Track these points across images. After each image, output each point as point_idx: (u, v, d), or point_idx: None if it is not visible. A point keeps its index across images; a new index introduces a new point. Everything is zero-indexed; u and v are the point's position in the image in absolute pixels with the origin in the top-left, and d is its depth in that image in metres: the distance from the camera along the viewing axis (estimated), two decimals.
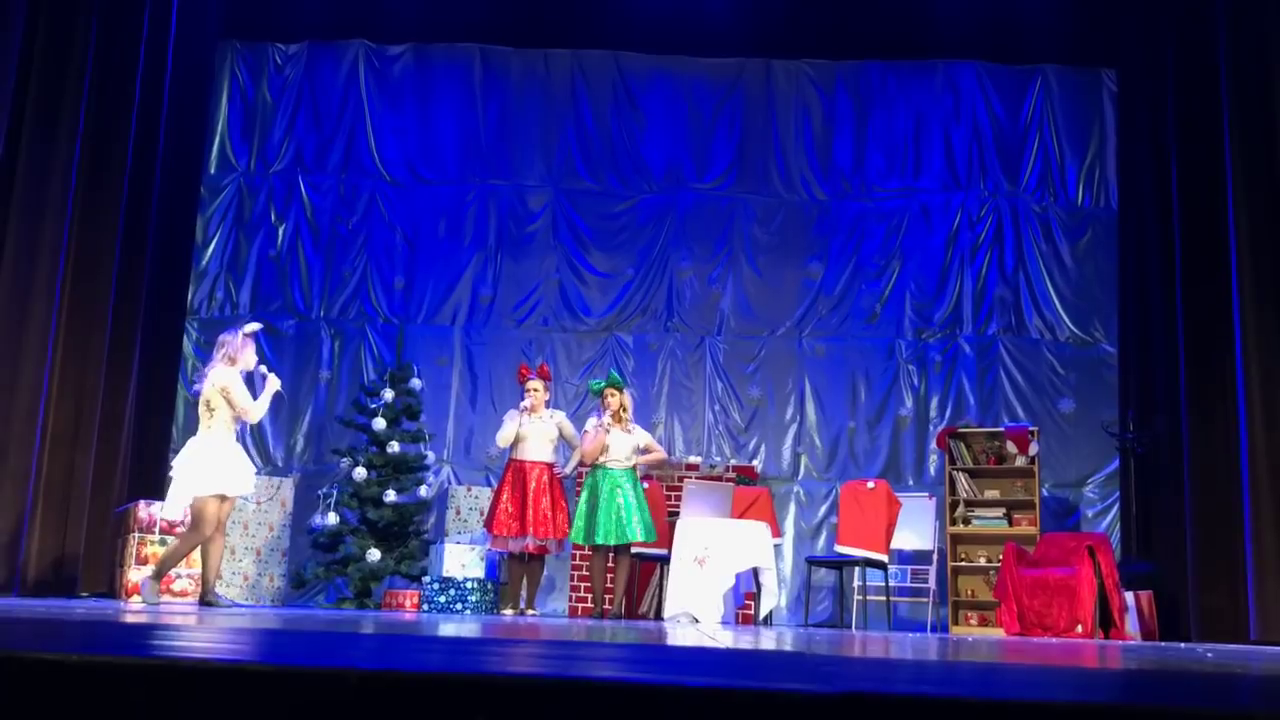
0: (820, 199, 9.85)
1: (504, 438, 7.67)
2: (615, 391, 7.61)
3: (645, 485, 8.18)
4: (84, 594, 7.45)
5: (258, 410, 6.37)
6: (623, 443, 7.50)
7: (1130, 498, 8.43)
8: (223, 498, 6.23)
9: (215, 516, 6.20)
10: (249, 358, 6.40)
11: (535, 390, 7.69)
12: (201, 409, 6.32)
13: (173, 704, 1.33)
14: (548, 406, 7.90)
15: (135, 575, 7.18)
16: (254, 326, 6.58)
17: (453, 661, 1.65)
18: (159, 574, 6.30)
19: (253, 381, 6.54)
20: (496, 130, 10.00)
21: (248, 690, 1.33)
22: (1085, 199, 9.62)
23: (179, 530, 7.01)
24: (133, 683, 1.35)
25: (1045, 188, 9.65)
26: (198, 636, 2.15)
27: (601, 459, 7.48)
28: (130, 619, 3.38)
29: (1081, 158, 9.67)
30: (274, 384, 6.49)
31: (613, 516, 7.35)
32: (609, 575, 7.62)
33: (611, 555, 7.56)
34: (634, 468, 7.56)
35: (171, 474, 6.35)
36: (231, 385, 6.26)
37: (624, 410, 7.57)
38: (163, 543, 7.25)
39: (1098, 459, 9.12)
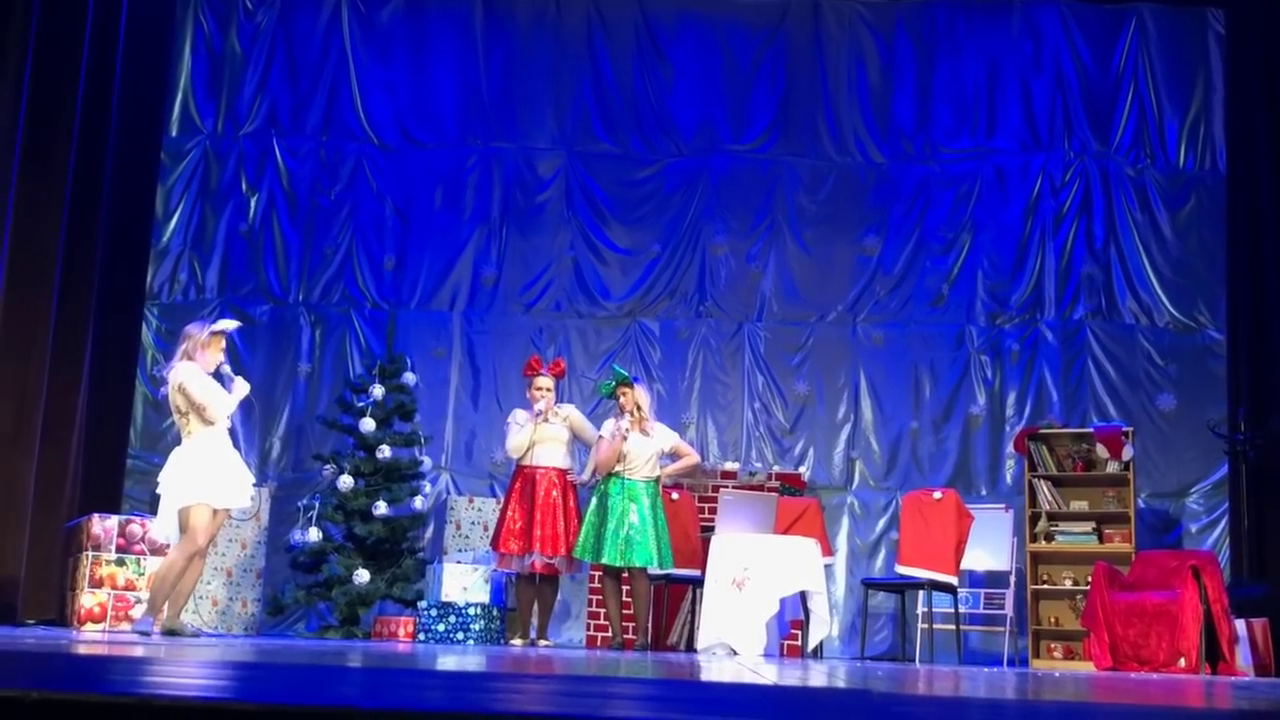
0: (877, 162, 9.84)
1: (516, 447, 7.72)
2: (626, 389, 7.62)
3: (676, 496, 8.21)
4: (29, 621, 7.55)
5: (221, 407, 6.37)
6: (642, 448, 7.52)
7: (1241, 510, 8.41)
8: (214, 510, 6.27)
9: (211, 525, 6.26)
10: (211, 358, 6.42)
11: (548, 391, 7.74)
12: (176, 416, 6.41)
13: None
14: (556, 402, 7.93)
15: (88, 600, 7.27)
16: (227, 324, 6.60)
17: (459, 699, 1.70)
18: (154, 604, 6.25)
19: (223, 382, 6.56)
20: (501, 85, 10.03)
21: None
22: (1188, 160, 9.57)
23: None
24: None
25: (1141, 148, 9.61)
26: (175, 671, 2.20)
27: (619, 467, 7.52)
28: (94, 650, 3.44)
29: (1184, 112, 9.62)
30: (241, 389, 6.47)
31: (621, 533, 7.37)
32: (627, 601, 7.65)
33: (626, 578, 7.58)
34: (656, 478, 7.59)
35: (158, 490, 6.41)
36: (188, 380, 6.29)
37: (639, 409, 7.58)
38: (119, 562, 7.34)
39: (1203, 464, 9.09)
